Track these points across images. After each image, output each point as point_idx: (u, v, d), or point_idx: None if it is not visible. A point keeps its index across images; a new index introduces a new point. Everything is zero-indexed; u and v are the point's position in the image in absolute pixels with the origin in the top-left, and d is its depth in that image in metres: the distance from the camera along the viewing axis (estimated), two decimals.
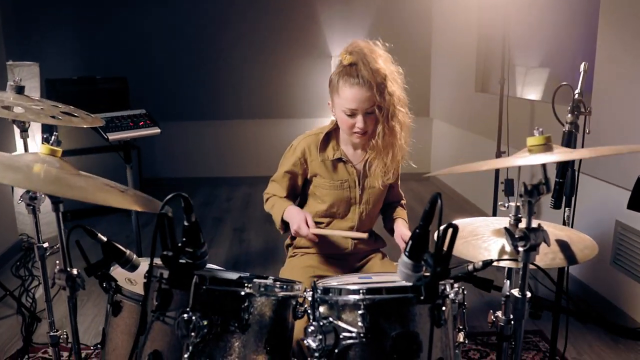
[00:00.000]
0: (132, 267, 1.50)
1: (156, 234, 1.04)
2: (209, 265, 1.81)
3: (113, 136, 2.18)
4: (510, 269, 1.30)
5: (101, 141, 4.67)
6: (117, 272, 1.57)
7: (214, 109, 5.94)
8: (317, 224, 1.97)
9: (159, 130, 2.36)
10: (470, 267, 1.23)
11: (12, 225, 3.91)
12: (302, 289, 1.28)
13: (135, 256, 1.51)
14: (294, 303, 1.24)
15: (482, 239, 1.39)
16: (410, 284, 1.06)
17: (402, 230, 1.94)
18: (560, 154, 1.02)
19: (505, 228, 1.11)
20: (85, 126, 1.63)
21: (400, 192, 2.13)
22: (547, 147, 1.04)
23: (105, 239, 1.47)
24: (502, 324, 1.35)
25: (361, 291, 1.13)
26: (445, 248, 0.99)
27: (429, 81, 6.02)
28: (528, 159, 1.02)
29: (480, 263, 1.21)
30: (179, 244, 1.10)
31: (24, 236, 4.08)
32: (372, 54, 1.76)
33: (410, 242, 1.03)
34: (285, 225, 1.88)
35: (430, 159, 6.22)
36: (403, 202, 2.14)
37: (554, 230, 1.43)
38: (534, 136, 1.07)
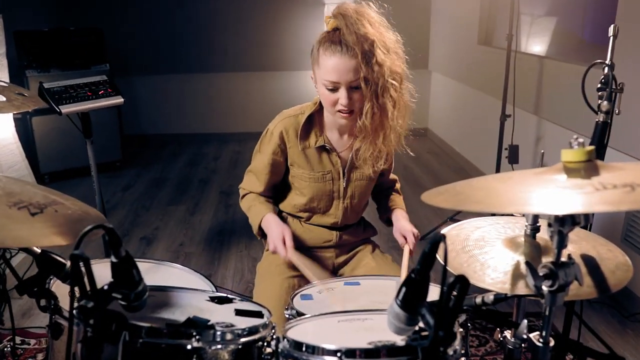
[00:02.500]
0: (85, 260, 1.27)
1: (73, 285, 0.79)
2: (174, 268, 1.58)
3: (67, 109, 1.90)
4: (521, 298, 1.07)
5: None
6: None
7: (199, 61, 5.58)
8: (295, 217, 1.74)
9: (122, 100, 2.08)
10: (479, 299, 1.00)
11: None
12: (269, 324, 1.05)
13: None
14: (260, 344, 1.01)
15: (490, 252, 1.15)
16: (402, 343, 0.83)
17: (403, 224, 1.70)
18: (615, 193, 0.74)
19: (527, 263, 0.87)
20: (14, 112, 1.35)
21: (393, 175, 1.88)
22: (589, 166, 0.78)
23: (38, 250, 1.22)
24: (510, 346, 1.14)
25: (339, 353, 0.89)
26: (447, 302, 0.75)
27: (428, 31, 5.64)
28: (564, 195, 0.75)
29: (492, 297, 0.97)
30: (106, 287, 0.85)
31: None
32: (359, 17, 1.47)
33: (403, 290, 0.79)
34: (263, 233, 1.65)
35: (427, 114, 5.93)
36: (397, 185, 1.88)
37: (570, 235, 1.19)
38: (570, 149, 0.80)
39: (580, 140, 0.78)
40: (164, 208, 3.97)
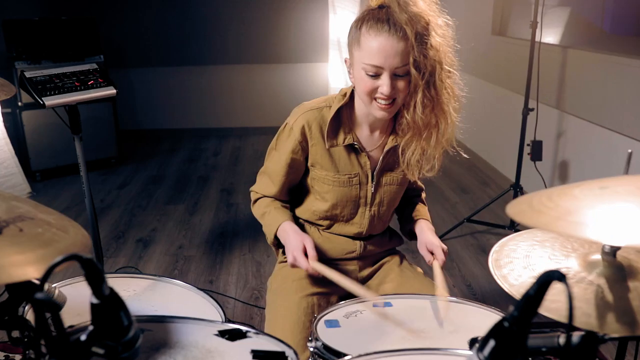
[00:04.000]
0: (53, 306, 1.05)
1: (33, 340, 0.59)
2: (174, 285, 1.38)
3: (51, 101, 1.68)
4: (624, 341, 0.86)
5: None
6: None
7: (199, 53, 5.34)
8: (314, 225, 1.52)
9: (114, 91, 1.85)
10: (562, 339, 0.78)
11: None
12: None
13: (57, 290, 1.06)
14: None
15: (573, 275, 0.94)
16: None
17: (428, 237, 1.48)
18: None
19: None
20: None
21: (420, 183, 1.66)
22: None
23: None
24: None
25: None
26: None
27: None
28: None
29: (580, 336, 0.76)
30: (84, 337, 0.64)
31: None
32: None
33: (491, 343, 0.58)
34: (279, 242, 1.43)
35: None
36: (423, 195, 1.66)
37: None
38: None
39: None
40: (162, 207, 3.76)
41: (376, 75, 1.28)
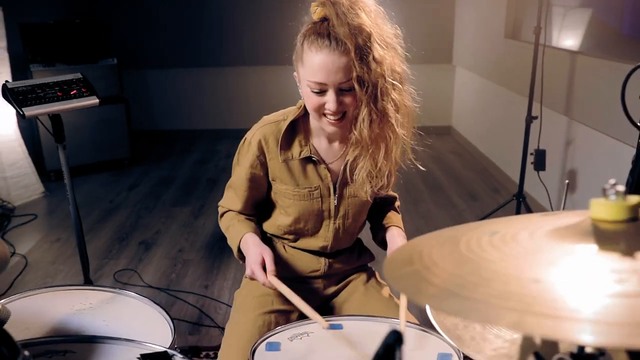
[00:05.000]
0: None
1: None
2: (131, 299, 1.38)
3: (31, 111, 1.70)
4: None
5: (104, 91, 4.30)
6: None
7: (212, 54, 5.38)
8: (281, 239, 1.50)
9: (97, 101, 1.87)
10: None
11: None
12: None
13: (1, 305, 1.07)
14: None
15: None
16: None
17: (398, 245, 1.45)
18: None
19: (536, 355, 0.62)
20: None
21: (393, 192, 1.62)
22: (632, 228, 0.51)
23: None
24: None
25: None
26: None
27: (452, 22, 5.32)
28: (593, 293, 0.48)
29: None
30: None
31: None
32: (352, 4, 1.22)
33: None
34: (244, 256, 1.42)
35: (452, 111, 5.62)
36: (397, 203, 1.62)
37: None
38: (603, 199, 0.54)
39: (620, 187, 0.53)
40: (168, 210, 3.80)
41: (321, 92, 1.25)
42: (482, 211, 3.58)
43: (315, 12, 1.27)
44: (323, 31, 1.23)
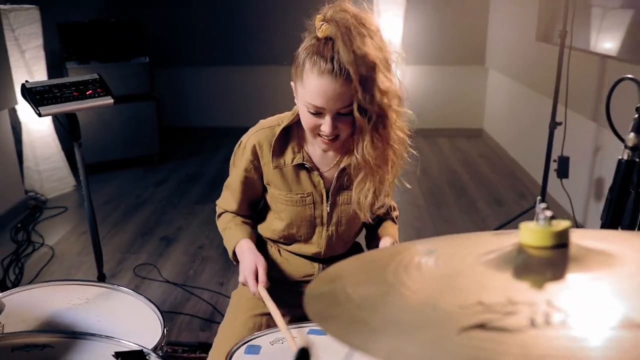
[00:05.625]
0: None
1: None
2: (127, 295, 1.41)
3: (47, 110, 1.77)
4: None
5: (135, 88, 4.43)
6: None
7: (243, 53, 5.44)
8: (275, 243, 1.52)
9: (111, 101, 1.93)
10: None
11: (17, 182, 3.71)
12: None
13: None
14: None
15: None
16: None
17: None
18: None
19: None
20: None
21: (392, 202, 1.59)
22: (559, 258, 0.49)
23: None
24: None
25: None
26: None
27: (486, 25, 5.22)
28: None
29: None
30: None
31: (32, 193, 3.89)
32: (359, 26, 1.16)
33: None
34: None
35: (484, 114, 5.52)
36: (395, 213, 1.59)
37: None
38: (533, 222, 0.52)
39: (548, 212, 0.51)
40: (192, 206, 3.87)
41: (318, 114, 1.24)
42: (506, 217, 3.51)
43: (321, 28, 1.22)
44: (327, 54, 1.18)
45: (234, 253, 1.44)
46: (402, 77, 1.29)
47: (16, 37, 3.54)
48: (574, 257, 0.49)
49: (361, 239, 1.65)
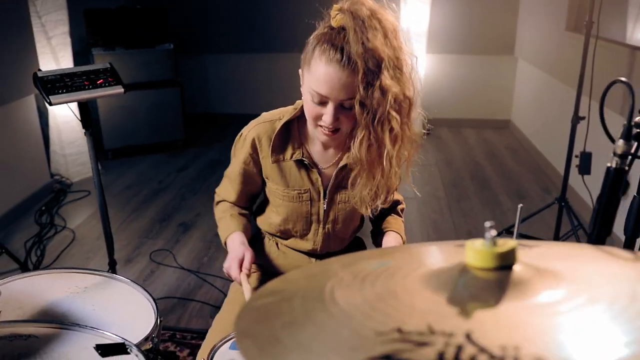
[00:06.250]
0: None
1: None
2: (123, 284, 1.43)
3: (58, 99, 1.80)
4: None
5: (160, 75, 4.47)
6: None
7: (267, 40, 5.43)
8: (273, 236, 1.51)
9: (122, 90, 1.94)
10: None
11: (43, 166, 3.80)
12: None
13: None
14: None
15: None
16: None
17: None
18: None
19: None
20: None
21: (399, 195, 1.57)
22: (499, 279, 0.46)
23: None
24: None
25: None
26: None
27: (516, 12, 5.07)
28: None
29: None
30: None
31: (58, 177, 3.99)
32: (373, 21, 1.15)
33: None
34: None
35: (512, 105, 5.38)
36: (400, 207, 1.57)
37: None
38: (480, 241, 0.50)
39: (493, 231, 0.49)
40: (212, 193, 3.86)
41: (322, 103, 1.23)
42: (528, 212, 3.42)
43: (335, 17, 1.21)
44: (337, 43, 1.17)
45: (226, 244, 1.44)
46: (422, 75, 1.27)
47: (43, 23, 3.61)
48: (515, 282, 0.46)
49: (365, 234, 1.63)
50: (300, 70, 1.31)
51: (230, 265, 1.33)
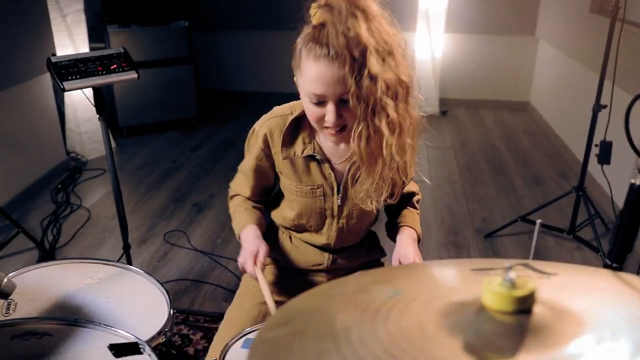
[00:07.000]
0: (1, 294, 1.16)
1: None
2: (138, 275, 1.44)
3: (71, 85, 1.79)
4: None
5: (174, 52, 4.45)
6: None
7: (281, 18, 5.34)
8: (287, 230, 1.50)
9: (135, 75, 1.93)
10: None
11: (59, 144, 3.83)
12: None
13: (6, 279, 1.15)
14: None
15: None
16: None
17: (404, 248, 1.37)
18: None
19: None
20: None
21: (414, 185, 1.55)
22: (517, 324, 0.45)
23: None
24: None
25: None
26: None
27: None
28: None
29: None
30: None
31: (74, 154, 4.01)
32: (352, 9, 1.13)
33: None
34: None
35: (531, 87, 5.28)
36: (416, 198, 1.54)
37: None
38: (497, 280, 0.48)
39: (512, 274, 0.47)
40: (226, 173, 3.90)
41: (321, 103, 1.20)
42: (544, 199, 3.37)
43: (315, 15, 1.19)
44: (322, 39, 1.15)
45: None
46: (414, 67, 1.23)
47: (58, 1, 3.59)
48: (535, 327, 0.45)
49: (379, 227, 1.62)
50: (295, 79, 1.28)
51: (245, 260, 1.32)
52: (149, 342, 1.09)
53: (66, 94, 3.91)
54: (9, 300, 1.25)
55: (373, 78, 1.13)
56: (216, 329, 2.30)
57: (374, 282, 0.61)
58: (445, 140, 4.53)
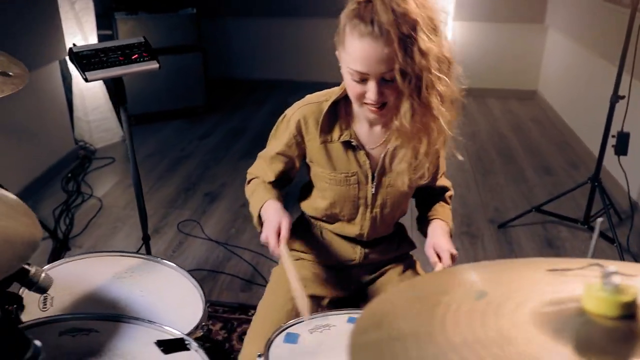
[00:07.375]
0: (39, 289, 1.15)
1: None
2: (168, 268, 1.44)
3: (94, 75, 1.77)
4: None
5: (182, 40, 4.42)
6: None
7: (290, 5, 5.30)
8: (318, 221, 1.49)
9: (157, 66, 1.91)
10: None
11: (68, 132, 3.80)
12: None
13: (44, 274, 1.14)
14: None
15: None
16: None
17: (438, 239, 1.37)
18: None
19: None
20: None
21: (447, 180, 1.55)
22: (624, 329, 0.45)
23: None
24: None
25: None
26: None
27: None
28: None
29: None
30: None
31: (82, 143, 3.99)
32: None
33: None
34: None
35: (539, 75, 5.25)
36: (448, 194, 1.55)
37: None
38: (598, 284, 0.47)
39: (617, 278, 0.46)
40: (236, 162, 3.89)
41: (363, 80, 1.19)
42: (555, 189, 3.38)
43: None
44: (366, 16, 1.14)
45: (259, 217, 1.38)
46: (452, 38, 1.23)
47: None
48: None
49: (406, 220, 1.61)
50: (337, 53, 1.28)
51: (267, 237, 1.28)
52: (189, 336, 1.09)
53: (74, 82, 3.88)
54: (45, 295, 1.24)
55: (423, 54, 1.13)
56: (235, 319, 2.33)
57: (448, 282, 0.60)
58: (456, 137, 4.52)
